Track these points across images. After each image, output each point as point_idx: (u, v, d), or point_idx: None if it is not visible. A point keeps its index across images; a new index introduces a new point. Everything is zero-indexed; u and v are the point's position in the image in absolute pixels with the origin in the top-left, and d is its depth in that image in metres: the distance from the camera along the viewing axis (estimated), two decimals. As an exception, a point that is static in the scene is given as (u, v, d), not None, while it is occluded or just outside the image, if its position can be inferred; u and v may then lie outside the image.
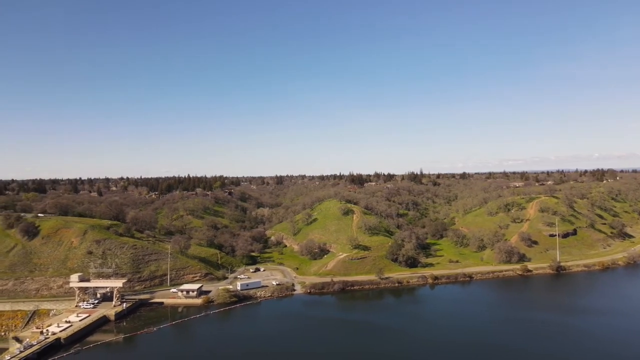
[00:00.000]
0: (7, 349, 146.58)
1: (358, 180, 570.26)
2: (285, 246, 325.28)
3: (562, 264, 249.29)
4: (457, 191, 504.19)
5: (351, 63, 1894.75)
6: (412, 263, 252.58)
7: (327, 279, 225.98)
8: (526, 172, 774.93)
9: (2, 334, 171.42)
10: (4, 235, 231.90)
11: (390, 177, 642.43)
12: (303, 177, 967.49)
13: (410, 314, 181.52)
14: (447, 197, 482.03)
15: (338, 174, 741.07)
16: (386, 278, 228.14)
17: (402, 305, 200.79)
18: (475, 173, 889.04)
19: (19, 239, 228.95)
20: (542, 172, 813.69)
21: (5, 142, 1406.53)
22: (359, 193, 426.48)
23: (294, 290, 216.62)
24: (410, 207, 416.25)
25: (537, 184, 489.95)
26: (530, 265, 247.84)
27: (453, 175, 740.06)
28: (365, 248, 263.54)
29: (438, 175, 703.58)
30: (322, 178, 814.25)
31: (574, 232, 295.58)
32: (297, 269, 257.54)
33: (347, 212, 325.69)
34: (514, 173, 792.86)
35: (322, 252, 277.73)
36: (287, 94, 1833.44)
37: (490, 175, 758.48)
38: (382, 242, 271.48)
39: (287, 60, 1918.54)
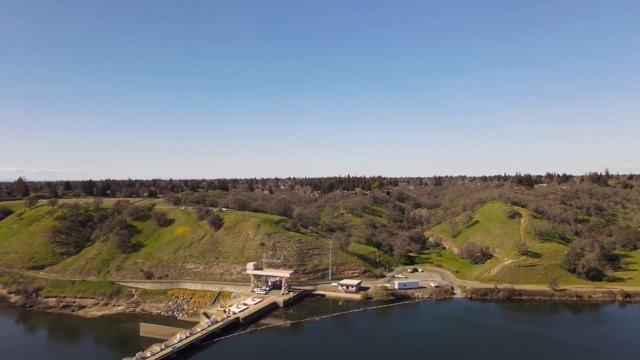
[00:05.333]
0: (199, 322, 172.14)
1: (526, 181, 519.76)
2: (444, 248, 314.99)
3: None
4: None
5: (517, 53, 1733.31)
6: (595, 276, 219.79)
7: (491, 285, 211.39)
8: None
9: (195, 309, 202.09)
10: (197, 226, 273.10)
11: (566, 178, 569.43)
12: (463, 177, 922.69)
13: (593, 333, 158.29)
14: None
15: (503, 175, 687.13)
16: (561, 290, 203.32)
17: (582, 322, 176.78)
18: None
19: (207, 229, 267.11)
20: None
21: (198, 148, 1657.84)
22: (527, 195, 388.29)
23: (454, 294, 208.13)
24: (592, 212, 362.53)
25: None
26: None
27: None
28: (535, 255, 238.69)
29: (630, 176, 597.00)
30: (484, 179, 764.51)
31: None
32: (457, 272, 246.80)
33: (514, 215, 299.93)
34: None
35: (484, 256, 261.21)
36: (446, 91, 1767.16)
37: None
38: (556, 250, 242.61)
39: (444, 56, 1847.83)
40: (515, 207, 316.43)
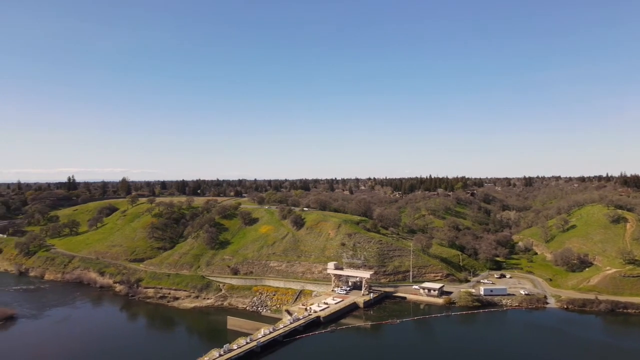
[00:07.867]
0: (281, 319, 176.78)
1: (633, 182, 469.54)
2: (536, 254, 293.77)
3: None
4: None
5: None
6: None
7: (590, 296, 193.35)
8: None
9: (278, 306, 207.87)
10: (280, 225, 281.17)
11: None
12: (557, 178, 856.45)
13: None
14: None
15: (604, 175, 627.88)
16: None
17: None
18: None
19: (290, 228, 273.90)
20: None
21: (281, 149, 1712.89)
22: (634, 197, 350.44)
23: (547, 303, 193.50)
24: None
25: None
26: None
27: None
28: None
29: None
30: (582, 179, 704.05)
31: None
32: (551, 280, 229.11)
33: (618, 220, 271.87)
34: None
35: (582, 263, 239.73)
36: (537, 88, 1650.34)
37: None
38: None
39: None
40: (620, 211, 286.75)
